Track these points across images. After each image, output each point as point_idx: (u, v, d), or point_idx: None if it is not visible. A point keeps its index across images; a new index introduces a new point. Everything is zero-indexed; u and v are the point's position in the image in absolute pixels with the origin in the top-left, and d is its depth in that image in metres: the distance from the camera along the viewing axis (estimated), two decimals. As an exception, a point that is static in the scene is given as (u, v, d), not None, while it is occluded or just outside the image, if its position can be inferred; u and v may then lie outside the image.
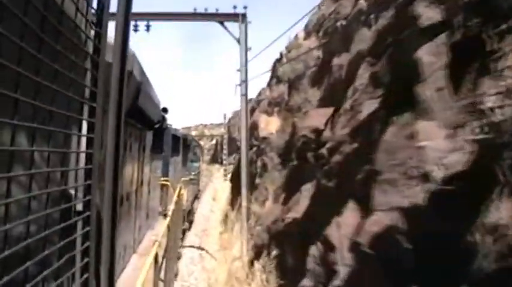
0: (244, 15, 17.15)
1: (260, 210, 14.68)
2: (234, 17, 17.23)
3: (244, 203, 16.06)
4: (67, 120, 1.62)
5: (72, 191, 1.70)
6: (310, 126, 10.43)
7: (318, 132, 9.95)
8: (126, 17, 2.20)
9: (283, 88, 18.31)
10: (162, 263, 6.85)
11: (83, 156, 1.75)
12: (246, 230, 15.31)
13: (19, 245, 1.16)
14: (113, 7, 2.12)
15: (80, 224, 1.69)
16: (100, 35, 1.82)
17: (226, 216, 21.59)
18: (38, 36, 1.26)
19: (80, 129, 1.79)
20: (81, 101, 1.66)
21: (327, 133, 9.34)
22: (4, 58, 1.06)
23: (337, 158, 7.99)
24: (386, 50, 7.19)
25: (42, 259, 1.32)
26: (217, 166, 60.95)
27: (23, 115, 1.24)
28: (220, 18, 17.35)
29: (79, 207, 1.71)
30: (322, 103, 11.28)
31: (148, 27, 17.07)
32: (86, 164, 1.69)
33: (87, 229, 1.66)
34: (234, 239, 17.15)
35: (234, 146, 53.06)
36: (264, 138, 17.48)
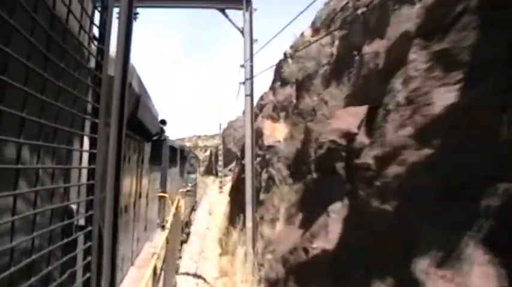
0: (248, 2, 14.57)
1: (270, 232, 12.57)
2: (237, 3, 14.62)
3: (249, 225, 13.86)
4: (70, 137, 1.64)
5: (74, 206, 1.71)
6: (337, 129, 8.58)
7: (349, 136, 8.11)
8: (128, 32, 2.23)
9: (289, 90, 16.58)
10: (160, 275, 6.82)
11: (85, 171, 1.77)
12: (252, 261, 12.71)
13: (23, 261, 1.17)
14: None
15: (81, 239, 1.70)
16: (102, 51, 1.85)
17: (224, 234, 19.19)
18: (43, 55, 1.28)
19: (82, 145, 1.81)
20: (83, 117, 1.68)
21: (361, 137, 7.53)
22: (11, 77, 1.09)
23: (395, 170, 5.90)
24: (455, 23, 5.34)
25: (45, 275, 1.33)
26: (212, 177, 58.30)
27: (28, 132, 1.26)
28: (222, 4, 14.76)
29: (81, 222, 1.72)
30: (350, 101, 9.52)
31: (135, 15, 15.28)
32: (88, 179, 1.70)
33: (89, 244, 1.67)
34: (236, 264, 14.79)
35: (229, 157, 52.15)
36: (270, 147, 15.65)
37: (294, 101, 15.35)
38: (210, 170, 62.34)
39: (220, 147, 50.93)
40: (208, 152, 70.15)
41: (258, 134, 17.01)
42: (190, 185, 23.86)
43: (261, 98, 25.23)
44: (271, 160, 14.75)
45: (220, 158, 48.82)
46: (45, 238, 1.40)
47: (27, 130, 1.20)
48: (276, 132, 15.82)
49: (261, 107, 23.84)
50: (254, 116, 16.27)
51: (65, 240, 1.52)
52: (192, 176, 28.68)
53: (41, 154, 1.30)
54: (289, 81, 17.17)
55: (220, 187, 43.35)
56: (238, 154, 23.55)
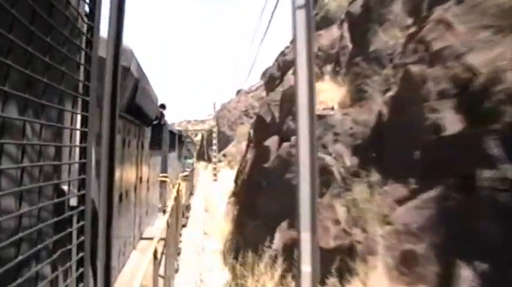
0: None
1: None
2: None
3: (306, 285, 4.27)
4: (60, 114, 1.61)
5: (66, 186, 1.68)
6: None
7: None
8: (120, 8, 2.18)
9: (337, 32, 11.86)
10: (161, 259, 6.85)
11: (77, 151, 1.74)
12: None
13: (11, 238, 1.15)
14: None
15: (74, 219, 1.68)
16: (92, 28, 1.81)
17: (233, 254, 12.38)
18: (27, 29, 1.24)
19: (73, 124, 1.78)
20: (74, 94, 1.65)
21: None
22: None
23: None
24: None
25: (36, 252, 1.31)
26: (203, 163, 55.08)
27: (14, 107, 1.22)
28: None
29: (73, 202, 1.70)
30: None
31: None
32: (80, 158, 1.68)
33: (82, 223, 1.65)
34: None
35: (223, 141, 50.55)
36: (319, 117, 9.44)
37: (349, 44, 10.79)
38: (202, 155, 59.16)
39: (215, 129, 46.93)
40: (199, 137, 66.23)
41: (287, 99, 12.36)
42: (187, 169, 23.98)
43: (289, 46, 19.24)
44: (322, 138, 9.20)
45: (215, 141, 44.63)
46: (35, 217, 1.38)
47: (13, 104, 1.17)
48: (323, 94, 10.28)
49: (283, 65, 18.97)
50: (282, 73, 13.24)
51: (55, 219, 1.49)
52: (189, 161, 28.99)
53: (27, 131, 1.27)
54: (335, 17, 12.36)
55: (215, 175, 40.64)
56: (251, 132, 17.73)
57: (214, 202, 24.30)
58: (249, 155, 16.40)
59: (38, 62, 1.38)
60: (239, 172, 19.19)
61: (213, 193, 28.82)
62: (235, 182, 19.52)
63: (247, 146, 19.67)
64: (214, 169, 41.02)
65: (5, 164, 1.17)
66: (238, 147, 45.86)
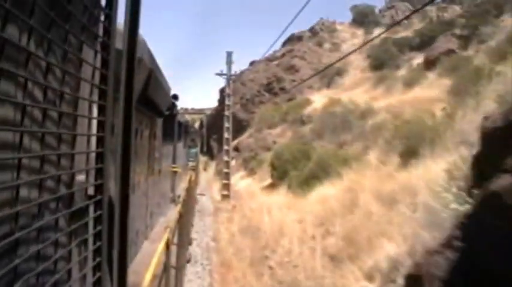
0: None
1: None
2: None
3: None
4: (78, 104, 1.60)
5: (83, 175, 1.68)
6: None
7: None
8: (136, -1, 2.16)
9: None
10: (173, 249, 6.89)
11: (93, 140, 1.73)
12: None
13: (31, 227, 1.14)
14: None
15: (91, 208, 1.68)
16: (110, 17, 1.79)
17: None
18: (47, 15, 1.23)
19: (90, 113, 1.77)
20: (92, 83, 1.63)
21: None
22: (13, 37, 1.04)
23: None
24: None
25: (54, 242, 1.31)
26: (203, 158, 39.42)
27: (32, 96, 1.21)
28: None
29: (90, 191, 1.70)
30: None
31: None
32: (97, 147, 1.67)
33: (99, 212, 1.64)
34: None
35: (233, 128, 25.82)
36: None
37: None
38: (201, 148, 43.14)
39: (228, 113, 24.47)
40: (197, 124, 52.21)
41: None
42: (192, 159, 24.12)
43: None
44: None
45: (228, 125, 24.10)
46: (53, 206, 1.37)
47: (31, 93, 1.16)
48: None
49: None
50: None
51: (73, 208, 1.49)
52: (193, 150, 28.53)
53: (46, 118, 1.26)
54: None
55: (225, 188, 22.90)
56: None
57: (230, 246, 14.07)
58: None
59: (57, 49, 1.37)
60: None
61: (224, 223, 17.40)
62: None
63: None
64: (226, 173, 23.09)
65: (24, 153, 1.16)
66: (257, 137, 32.47)
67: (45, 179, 1.28)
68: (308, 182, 17.98)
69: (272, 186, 22.21)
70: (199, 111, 59.93)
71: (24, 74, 1.09)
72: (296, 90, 36.55)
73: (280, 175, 21.71)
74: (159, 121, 8.94)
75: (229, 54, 24.90)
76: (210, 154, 43.58)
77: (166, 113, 9.31)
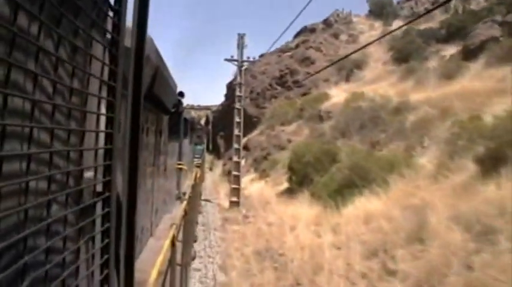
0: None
1: None
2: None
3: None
4: (87, 99, 1.59)
5: (92, 172, 1.67)
6: None
7: None
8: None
9: None
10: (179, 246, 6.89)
11: (102, 137, 1.72)
12: None
13: (41, 223, 1.14)
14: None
15: (99, 205, 1.67)
16: (119, 13, 1.78)
17: None
18: (57, 10, 1.22)
19: (99, 109, 1.76)
20: (100, 79, 1.62)
21: None
22: (22, 32, 1.03)
23: None
24: None
25: (63, 238, 1.30)
26: (209, 157, 36.81)
27: (43, 90, 1.20)
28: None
29: (99, 188, 1.69)
30: None
31: None
32: (106, 144, 1.66)
33: (107, 210, 1.64)
34: None
35: (247, 123, 26.24)
36: None
37: None
38: (207, 146, 37.40)
39: (239, 105, 21.55)
40: (203, 120, 47.69)
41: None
42: (197, 156, 23.72)
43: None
44: None
45: (239, 120, 21.22)
46: (61, 202, 1.37)
47: (40, 88, 1.15)
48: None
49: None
50: None
51: (82, 205, 1.48)
52: (199, 147, 27.92)
53: (55, 114, 1.25)
54: None
55: (235, 195, 19.87)
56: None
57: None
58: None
59: (66, 45, 1.36)
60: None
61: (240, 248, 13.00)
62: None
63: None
64: (235, 177, 20.20)
65: (34, 148, 1.15)
66: (269, 135, 30.07)
67: (54, 175, 1.27)
68: (342, 191, 14.42)
69: (290, 192, 18.78)
70: (206, 108, 56.04)
71: (33, 69, 1.08)
72: (311, 84, 34.14)
73: (299, 179, 18.62)
74: (165, 118, 8.94)
75: (241, 37, 20.83)
76: (216, 152, 40.33)
77: (172, 110, 9.30)
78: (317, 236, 12.22)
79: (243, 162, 20.88)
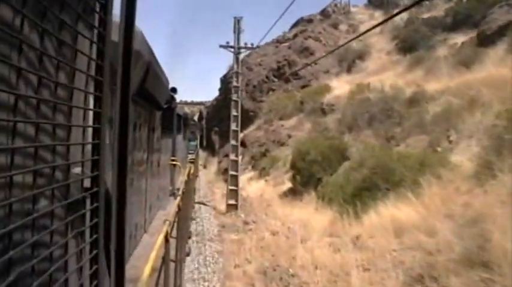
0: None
1: None
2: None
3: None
4: (74, 95, 1.58)
5: (80, 167, 1.67)
6: None
7: None
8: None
9: None
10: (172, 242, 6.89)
11: (89, 131, 1.72)
12: None
13: (26, 218, 1.13)
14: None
15: (88, 201, 1.67)
16: (106, 7, 1.77)
17: None
18: (40, 4, 1.21)
19: (86, 104, 1.75)
20: (87, 74, 1.62)
21: None
22: (4, 25, 1.02)
23: None
24: None
25: (50, 234, 1.30)
26: (203, 154, 35.71)
27: (28, 85, 1.20)
28: None
29: (87, 183, 1.69)
30: None
31: None
32: (93, 139, 1.65)
33: (96, 205, 1.63)
34: None
35: (243, 118, 22.08)
36: None
37: None
38: (200, 141, 38.22)
39: (236, 96, 19.10)
40: (196, 116, 46.78)
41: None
42: (191, 152, 23.60)
43: None
44: None
45: (236, 113, 18.80)
46: (48, 197, 1.36)
47: (24, 81, 1.14)
48: None
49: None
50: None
51: (69, 200, 1.48)
52: (193, 143, 27.66)
53: (40, 109, 1.25)
54: None
55: (233, 197, 17.79)
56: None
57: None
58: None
59: (51, 39, 1.35)
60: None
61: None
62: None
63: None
64: (232, 177, 18.25)
65: (19, 143, 1.14)
66: (268, 130, 28.54)
67: (40, 169, 1.26)
68: (360, 194, 11.95)
69: (293, 193, 17.05)
70: (199, 103, 54.71)
71: (18, 64, 1.07)
72: (311, 76, 32.69)
73: (304, 179, 16.72)
74: (158, 114, 8.92)
75: (237, 21, 18.53)
76: (210, 148, 38.47)
77: (165, 106, 9.28)
78: (335, 250, 9.71)
79: (235, 157, 18.24)
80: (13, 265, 1.06)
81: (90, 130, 1.68)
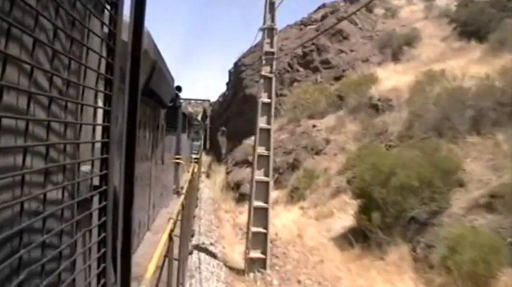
0: None
1: None
2: None
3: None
4: (84, 93, 1.58)
5: (89, 166, 1.67)
6: None
7: None
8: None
9: None
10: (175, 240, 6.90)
11: (99, 130, 1.72)
12: None
13: (36, 217, 1.13)
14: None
15: (96, 199, 1.67)
16: (116, 5, 1.76)
17: None
18: (54, 2, 1.21)
19: (96, 103, 1.75)
20: (97, 72, 1.61)
21: None
22: (18, 23, 1.01)
23: None
24: None
25: (59, 232, 1.30)
26: (206, 158, 29.85)
27: (38, 83, 1.19)
28: None
29: (95, 181, 1.68)
30: None
31: None
32: (103, 137, 1.65)
33: (104, 203, 1.63)
34: None
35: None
36: None
37: None
38: (203, 144, 31.10)
39: (263, 83, 12.08)
40: (200, 116, 34.41)
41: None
42: (195, 151, 23.50)
43: None
44: None
45: (267, 99, 12.01)
46: (58, 195, 1.36)
47: (36, 79, 1.14)
48: None
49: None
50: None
51: (78, 198, 1.48)
52: (196, 143, 27.33)
53: (51, 107, 1.24)
54: None
55: (259, 244, 10.85)
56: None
57: None
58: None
59: (62, 37, 1.35)
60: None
61: None
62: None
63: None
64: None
65: (30, 142, 1.14)
66: (294, 132, 22.10)
67: (51, 168, 1.26)
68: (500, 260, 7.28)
69: (362, 238, 10.65)
70: (203, 100, 50.56)
71: (30, 61, 1.07)
72: (346, 65, 26.80)
73: (389, 219, 10.40)
74: (163, 112, 8.93)
75: None
76: (215, 152, 31.35)
77: (170, 104, 9.29)
78: None
79: (264, 176, 11.40)
80: (23, 264, 1.05)
81: (99, 128, 1.68)
